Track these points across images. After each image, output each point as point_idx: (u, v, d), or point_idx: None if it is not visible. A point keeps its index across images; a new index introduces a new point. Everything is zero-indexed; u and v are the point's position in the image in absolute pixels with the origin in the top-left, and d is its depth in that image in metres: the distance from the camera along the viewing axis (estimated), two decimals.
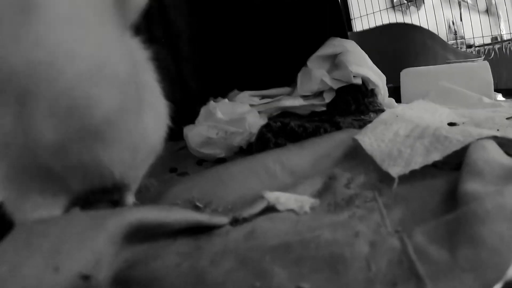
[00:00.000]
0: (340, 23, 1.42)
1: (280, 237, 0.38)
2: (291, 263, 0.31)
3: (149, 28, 1.33)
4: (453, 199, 0.41)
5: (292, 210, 0.48)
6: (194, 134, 0.96)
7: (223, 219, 0.44)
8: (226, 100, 1.14)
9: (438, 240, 0.30)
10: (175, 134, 1.16)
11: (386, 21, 2.33)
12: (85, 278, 0.32)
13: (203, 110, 1.04)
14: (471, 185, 0.38)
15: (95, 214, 0.38)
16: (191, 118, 1.06)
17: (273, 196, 0.50)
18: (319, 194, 0.56)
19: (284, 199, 0.50)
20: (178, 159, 1.02)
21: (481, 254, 0.27)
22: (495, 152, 0.49)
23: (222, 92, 1.26)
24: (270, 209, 0.48)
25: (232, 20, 1.34)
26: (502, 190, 0.33)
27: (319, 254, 0.32)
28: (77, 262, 0.32)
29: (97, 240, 0.34)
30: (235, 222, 0.44)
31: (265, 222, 0.43)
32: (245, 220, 0.45)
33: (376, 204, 0.46)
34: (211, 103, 1.05)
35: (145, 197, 0.63)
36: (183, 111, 1.36)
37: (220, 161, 0.93)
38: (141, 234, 0.39)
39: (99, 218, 0.36)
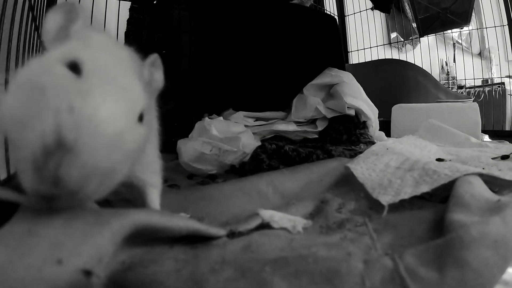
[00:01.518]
0: (338, 55, 1.46)
1: (276, 252, 0.40)
2: (290, 275, 0.33)
3: (152, 36, 1.35)
4: (439, 228, 0.43)
5: (285, 229, 0.50)
6: (188, 148, 0.97)
7: (220, 231, 0.45)
8: (221, 118, 1.15)
9: (427, 262, 0.32)
10: (166, 146, 1.17)
11: (382, 57, 2.39)
12: (87, 273, 0.32)
13: (197, 126, 1.05)
14: (457, 215, 0.41)
15: (100, 211, 0.39)
16: (184, 131, 1.08)
17: (267, 214, 0.51)
18: (311, 216, 0.57)
19: (278, 218, 0.51)
20: (167, 171, 1.02)
21: (468, 275, 0.30)
22: (481, 188, 0.52)
23: (217, 109, 1.28)
24: (264, 226, 0.50)
25: (235, 42, 1.37)
26: (487, 220, 0.35)
27: (317, 269, 0.33)
28: (81, 257, 0.32)
29: (102, 237, 0.34)
30: (231, 235, 0.46)
31: (261, 237, 0.45)
32: (241, 234, 0.46)
33: (367, 229, 0.48)
34: (206, 119, 1.07)
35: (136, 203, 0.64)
36: (177, 123, 1.39)
37: (210, 177, 0.94)
38: (139, 238, 0.40)
39: (104, 215, 0.37)
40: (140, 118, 0.36)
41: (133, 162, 0.38)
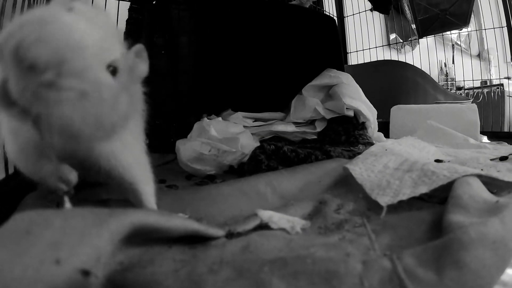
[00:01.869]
0: (337, 56, 1.46)
1: (274, 253, 0.40)
2: (289, 275, 0.33)
3: (151, 36, 1.35)
4: (438, 229, 0.43)
5: (284, 230, 0.50)
6: (187, 148, 0.97)
7: (219, 231, 0.45)
8: (220, 118, 1.15)
9: (425, 263, 0.32)
10: (164, 147, 1.18)
11: (381, 58, 2.39)
12: (86, 274, 0.31)
13: (196, 126, 1.05)
14: (456, 216, 0.41)
15: (98, 211, 0.39)
16: (183, 131, 1.08)
17: (266, 215, 0.52)
18: (310, 217, 0.58)
19: (276, 218, 0.51)
20: (166, 171, 1.02)
21: (466, 277, 0.30)
22: (479, 189, 0.52)
23: (216, 110, 1.28)
24: (263, 227, 0.50)
25: (234, 42, 1.37)
26: (485, 221, 0.35)
27: (315, 269, 0.33)
28: (79, 257, 0.32)
29: (100, 237, 0.34)
30: (230, 235, 0.46)
31: (259, 238, 0.45)
32: (240, 234, 0.46)
33: (365, 230, 0.48)
34: (205, 119, 1.07)
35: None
36: (176, 124, 1.39)
37: (209, 177, 0.94)
38: (138, 238, 0.40)
39: (102, 215, 0.37)
40: (114, 72, 0.41)
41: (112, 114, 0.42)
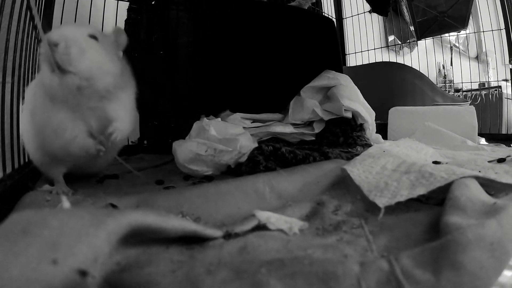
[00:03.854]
0: (336, 57, 1.46)
1: (272, 254, 0.40)
2: (286, 276, 0.33)
3: (150, 37, 1.35)
4: (435, 230, 0.43)
5: (282, 231, 0.50)
6: (183, 149, 0.96)
7: (217, 232, 0.45)
8: (219, 119, 1.15)
9: (423, 265, 0.32)
10: (162, 147, 1.18)
11: (379, 59, 2.39)
12: (83, 274, 0.31)
13: (195, 126, 1.05)
14: (453, 218, 0.41)
15: (95, 211, 0.38)
16: (180, 132, 1.08)
17: (264, 215, 0.51)
18: (307, 218, 0.58)
19: (274, 219, 0.51)
20: (164, 172, 1.03)
21: (463, 278, 0.30)
22: (477, 190, 0.52)
23: (214, 110, 1.28)
24: (261, 227, 0.50)
25: (233, 43, 1.37)
26: (483, 222, 0.35)
27: (312, 270, 0.33)
28: (76, 257, 0.32)
29: (97, 237, 0.34)
30: (228, 236, 0.46)
31: (256, 239, 0.45)
32: (237, 235, 0.46)
33: (363, 231, 0.48)
34: (205, 119, 1.07)
35: (131, 204, 0.65)
36: (173, 125, 1.39)
37: (207, 178, 0.94)
38: (135, 238, 0.40)
39: (100, 215, 0.36)
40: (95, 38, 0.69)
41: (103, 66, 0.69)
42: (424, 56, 2.56)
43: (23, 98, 0.86)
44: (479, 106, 2.04)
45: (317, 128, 1.20)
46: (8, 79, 0.80)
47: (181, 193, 0.68)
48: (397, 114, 1.59)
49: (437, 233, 0.41)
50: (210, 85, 1.37)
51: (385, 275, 0.32)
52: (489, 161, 0.86)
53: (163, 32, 1.38)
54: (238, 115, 1.23)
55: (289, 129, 1.18)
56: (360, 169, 0.71)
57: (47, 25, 1.16)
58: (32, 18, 0.95)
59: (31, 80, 1.00)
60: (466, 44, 3.46)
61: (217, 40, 1.37)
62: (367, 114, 1.20)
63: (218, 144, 0.95)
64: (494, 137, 1.65)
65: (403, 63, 2.34)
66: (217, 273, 0.35)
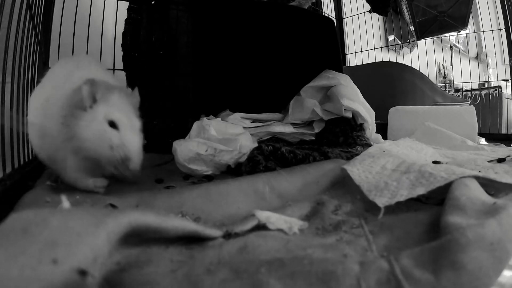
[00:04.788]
0: (336, 57, 1.46)
1: (272, 253, 0.40)
2: (286, 276, 0.33)
3: (150, 36, 1.35)
4: (435, 230, 0.43)
5: (281, 230, 0.50)
6: (183, 149, 0.96)
7: (216, 232, 0.45)
8: (219, 119, 1.15)
9: (422, 264, 0.32)
10: (162, 147, 1.18)
11: (379, 59, 2.39)
12: (82, 273, 0.31)
13: (195, 125, 1.05)
14: (453, 218, 0.41)
15: (95, 211, 0.38)
16: (180, 132, 1.08)
17: (264, 215, 0.51)
18: (307, 218, 0.58)
19: (274, 219, 0.51)
20: (164, 172, 1.02)
21: (463, 278, 0.30)
22: (477, 190, 0.52)
23: (214, 110, 1.27)
24: (260, 227, 0.50)
25: (233, 43, 1.37)
26: (482, 222, 0.35)
27: (312, 270, 0.33)
28: (76, 257, 0.32)
29: (97, 237, 0.34)
30: (227, 236, 0.46)
31: (256, 239, 0.45)
32: (237, 235, 0.46)
33: (363, 231, 0.48)
34: (205, 119, 1.06)
35: (131, 203, 0.65)
36: (173, 124, 1.39)
37: (207, 178, 0.94)
38: (135, 238, 0.40)
39: (99, 215, 0.36)
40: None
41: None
42: (424, 56, 2.56)
43: (23, 98, 0.86)
44: (479, 106, 2.04)
45: (317, 128, 1.20)
46: (8, 79, 0.80)
47: (181, 193, 0.68)
48: (397, 114, 1.59)
49: (437, 233, 0.41)
50: (210, 85, 1.37)
51: (385, 275, 0.32)
52: (489, 161, 0.86)
53: (163, 32, 1.38)
54: (238, 115, 1.23)
55: (289, 129, 1.18)
56: (360, 169, 0.71)
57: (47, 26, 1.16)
58: (32, 18, 0.95)
59: (31, 80, 1.00)
60: (466, 44, 3.46)
61: (217, 40, 1.36)
62: (367, 114, 1.20)
63: (218, 144, 0.95)
64: (494, 137, 1.65)
65: (403, 63, 2.34)
66: (217, 273, 0.35)
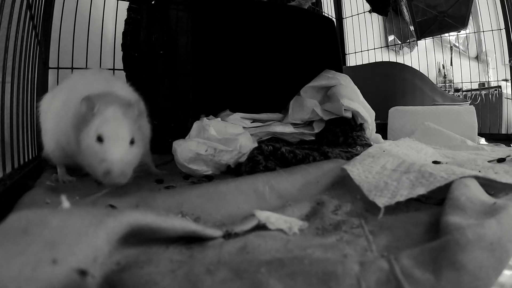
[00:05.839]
0: (336, 57, 1.46)
1: (272, 253, 0.40)
2: (286, 276, 0.33)
3: (150, 36, 1.34)
4: (435, 230, 0.43)
5: (281, 230, 0.50)
6: (183, 149, 0.96)
7: (216, 232, 0.45)
8: (219, 119, 1.15)
9: (422, 264, 0.32)
10: (162, 147, 1.18)
11: (379, 59, 2.39)
12: (82, 273, 0.31)
13: (195, 125, 1.05)
14: (453, 218, 0.41)
15: (95, 211, 0.38)
16: (181, 132, 1.08)
17: (263, 215, 0.51)
18: (307, 218, 0.58)
19: (274, 219, 0.51)
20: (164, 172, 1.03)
21: (463, 278, 0.30)
22: (477, 190, 0.52)
23: (214, 110, 1.27)
24: (260, 227, 0.50)
25: (233, 43, 1.37)
26: (482, 222, 0.35)
27: (312, 270, 0.33)
28: (76, 257, 0.32)
29: (97, 237, 0.34)
30: (227, 236, 0.46)
31: (256, 239, 0.45)
32: (237, 235, 0.46)
33: (362, 231, 0.48)
34: (205, 119, 1.07)
35: (131, 203, 0.65)
36: (173, 124, 1.39)
37: (207, 178, 0.94)
38: (135, 238, 0.40)
39: (99, 215, 0.36)
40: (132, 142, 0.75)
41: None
42: (424, 56, 2.56)
43: (23, 98, 0.86)
44: (479, 106, 2.04)
45: (317, 128, 1.20)
46: (8, 79, 0.80)
47: (181, 193, 0.68)
48: (397, 114, 1.59)
49: (437, 233, 0.41)
50: (210, 85, 1.37)
51: (385, 275, 0.32)
52: (489, 161, 0.86)
53: (163, 32, 1.38)
54: (238, 115, 1.23)
55: (289, 129, 1.18)
56: (360, 169, 0.71)
57: (47, 26, 1.16)
58: (32, 18, 0.95)
59: (31, 80, 1.00)
60: (466, 44, 3.46)
61: (217, 40, 1.36)
62: (367, 114, 1.20)
63: (218, 144, 0.95)
64: (494, 137, 1.65)
65: (403, 63, 2.34)
66: (217, 272, 0.35)
